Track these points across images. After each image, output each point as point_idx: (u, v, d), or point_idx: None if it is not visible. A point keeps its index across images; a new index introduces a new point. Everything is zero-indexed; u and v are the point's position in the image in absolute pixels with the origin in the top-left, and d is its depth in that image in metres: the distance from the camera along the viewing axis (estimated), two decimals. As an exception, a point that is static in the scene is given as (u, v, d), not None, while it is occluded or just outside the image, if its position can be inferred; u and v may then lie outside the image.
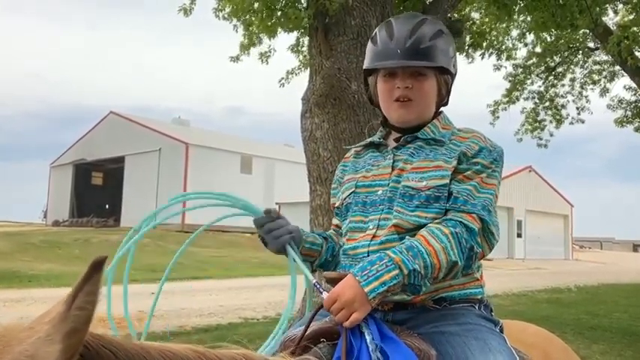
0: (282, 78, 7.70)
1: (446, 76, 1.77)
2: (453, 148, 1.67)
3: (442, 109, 1.85)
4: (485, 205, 1.59)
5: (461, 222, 1.55)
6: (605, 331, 8.19)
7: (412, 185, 1.63)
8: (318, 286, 1.54)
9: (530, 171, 33.18)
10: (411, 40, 1.68)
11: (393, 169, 1.71)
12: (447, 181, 1.61)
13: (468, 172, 1.62)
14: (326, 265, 1.84)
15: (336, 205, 1.88)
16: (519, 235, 32.03)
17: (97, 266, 0.81)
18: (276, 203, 33.39)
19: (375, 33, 1.79)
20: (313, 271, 1.85)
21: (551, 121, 13.67)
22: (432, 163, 1.65)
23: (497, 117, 13.23)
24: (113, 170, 37.81)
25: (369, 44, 1.80)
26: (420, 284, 1.48)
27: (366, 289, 1.41)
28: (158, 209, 1.76)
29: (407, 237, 1.56)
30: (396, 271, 1.43)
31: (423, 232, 1.53)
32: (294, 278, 1.64)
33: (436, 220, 1.58)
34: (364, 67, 1.82)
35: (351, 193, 1.78)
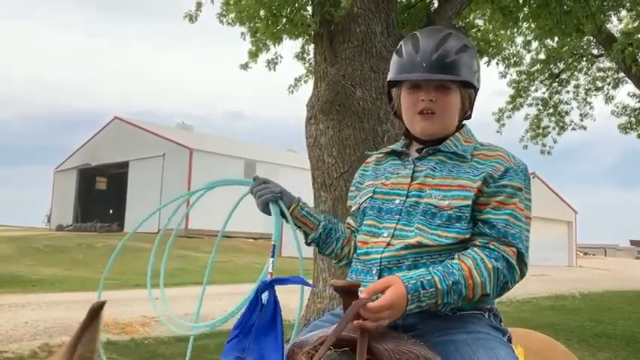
0: (291, 86, 7.75)
1: (469, 90, 1.79)
2: (476, 166, 1.68)
3: (465, 122, 1.86)
4: (522, 236, 1.62)
5: (503, 256, 1.57)
6: (609, 338, 8.15)
7: (435, 203, 1.64)
8: (272, 250, 1.67)
9: (533, 177, 33.10)
10: (436, 54, 1.69)
11: (412, 180, 1.72)
12: (470, 202, 1.62)
13: (502, 197, 1.63)
14: (321, 245, 1.88)
15: (352, 209, 1.91)
16: (524, 242, 31.88)
17: (95, 313, 0.78)
18: (280, 209, 33.32)
19: (401, 45, 1.80)
20: (308, 244, 1.91)
21: (554, 128, 13.66)
22: (455, 182, 1.66)
23: (503, 124, 13.22)
24: (117, 175, 37.88)
25: (394, 56, 1.81)
26: (443, 310, 1.54)
27: (408, 307, 1.45)
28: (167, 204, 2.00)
29: (457, 254, 1.58)
30: (434, 301, 1.48)
31: (470, 262, 1.54)
32: (277, 233, 1.72)
33: (478, 244, 1.60)
34: (389, 79, 1.83)
35: (369, 198, 1.80)
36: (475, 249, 1.59)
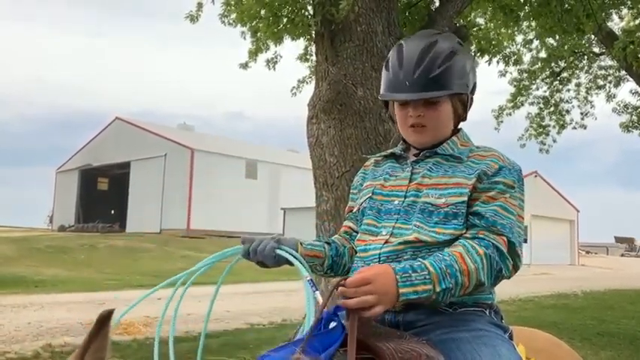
0: (294, 88, 7.74)
1: (462, 96, 1.77)
2: (471, 165, 1.69)
3: (461, 125, 1.86)
4: (512, 227, 1.62)
5: (493, 244, 1.57)
6: (612, 337, 8.15)
7: (432, 202, 1.66)
8: (311, 283, 1.56)
9: (535, 176, 33.10)
10: (419, 70, 1.67)
11: (410, 182, 1.74)
12: (465, 198, 1.63)
13: (493, 193, 1.64)
14: (335, 267, 1.86)
15: (353, 210, 1.92)
16: (525, 241, 31.36)
17: (104, 320, 0.78)
18: (282, 209, 33.38)
19: (388, 58, 1.79)
20: (325, 273, 1.88)
21: (554, 126, 13.64)
22: (450, 180, 1.67)
23: (501, 122, 13.22)
24: (119, 176, 37.97)
25: (384, 69, 1.81)
26: (444, 300, 1.53)
27: (400, 291, 1.43)
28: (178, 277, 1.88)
29: (446, 249, 1.58)
30: (430, 286, 1.47)
31: (460, 248, 1.55)
32: (302, 265, 1.64)
33: (468, 236, 1.60)
34: (379, 96, 1.84)
35: (368, 198, 1.82)
36: (465, 239, 1.60)
